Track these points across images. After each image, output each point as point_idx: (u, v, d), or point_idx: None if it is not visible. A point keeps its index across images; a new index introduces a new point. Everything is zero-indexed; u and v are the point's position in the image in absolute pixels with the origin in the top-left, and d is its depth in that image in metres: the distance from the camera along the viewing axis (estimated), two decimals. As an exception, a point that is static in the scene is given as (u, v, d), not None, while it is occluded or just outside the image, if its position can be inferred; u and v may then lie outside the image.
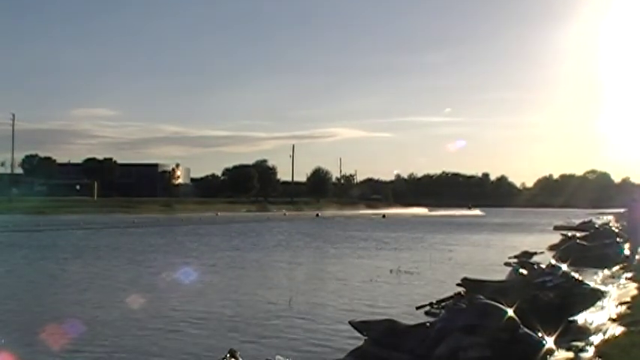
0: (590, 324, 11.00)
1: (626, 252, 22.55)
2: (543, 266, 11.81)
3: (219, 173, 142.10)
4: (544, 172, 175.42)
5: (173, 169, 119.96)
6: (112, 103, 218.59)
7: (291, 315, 13.19)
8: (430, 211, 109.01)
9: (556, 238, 30.37)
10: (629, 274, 17.70)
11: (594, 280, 15.75)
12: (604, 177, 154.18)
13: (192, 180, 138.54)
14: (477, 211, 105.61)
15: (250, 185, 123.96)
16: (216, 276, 19.59)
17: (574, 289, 11.15)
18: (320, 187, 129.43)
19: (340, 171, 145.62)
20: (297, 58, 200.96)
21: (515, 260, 13.11)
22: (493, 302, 7.35)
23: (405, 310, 12.12)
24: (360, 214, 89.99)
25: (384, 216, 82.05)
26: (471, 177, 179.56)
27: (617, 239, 24.14)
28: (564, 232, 31.51)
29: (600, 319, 11.22)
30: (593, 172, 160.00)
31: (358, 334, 7.71)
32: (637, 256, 21.70)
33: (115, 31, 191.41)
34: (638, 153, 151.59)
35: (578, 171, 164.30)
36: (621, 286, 15.58)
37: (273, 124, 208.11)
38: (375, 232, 45.69)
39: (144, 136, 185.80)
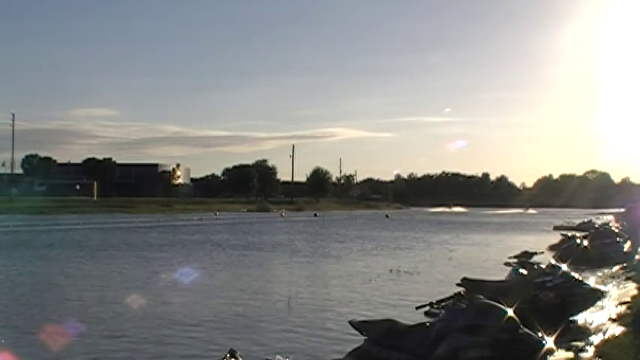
0: (590, 324, 11.01)
1: (626, 252, 22.59)
2: (543, 266, 11.82)
3: (219, 173, 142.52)
4: (544, 172, 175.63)
5: (173, 169, 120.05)
6: (112, 103, 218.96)
7: (290, 315, 13.19)
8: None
9: (556, 238, 30.36)
10: (629, 274, 17.71)
11: (594, 280, 15.76)
12: (604, 177, 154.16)
13: (192, 180, 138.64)
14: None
15: (250, 185, 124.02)
16: (216, 276, 19.58)
17: (574, 289, 11.16)
18: (320, 187, 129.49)
19: (340, 171, 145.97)
20: (297, 58, 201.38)
21: (515, 260, 13.11)
22: (493, 302, 7.34)
23: (405, 310, 12.11)
24: (361, 214, 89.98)
25: (387, 216, 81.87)
26: (471, 177, 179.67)
27: (617, 239, 24.14)
28: (564, 232, 31.50)
29: (600, 319, 11.23)
30: (593, 172, 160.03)
31: (358, 334, 7.71)
32: (637, 256, 21.72)
33: (115, 31, 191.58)
34: (638, 153, 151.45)
35: (578, 171, 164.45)
36: (621, 286, 15.59)
37: (273, 124, 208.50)
38: (375, 231, 45.68)
39: (144, 136, 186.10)
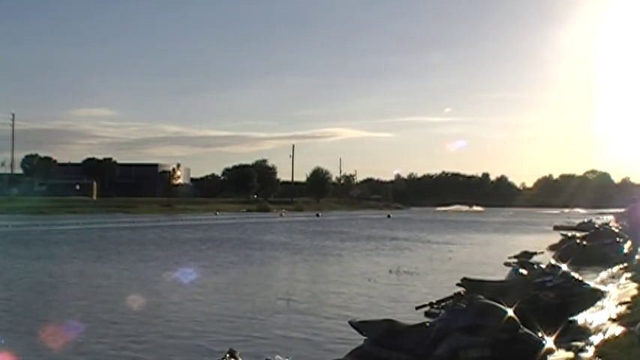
0: (590, 324, 11.00)
1: (626, 252, 22.57)
2: (543, 266, 11.81)
3: (219, 173, 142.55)
4: (544, 172, 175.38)
5: (173, 169, 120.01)
6: (112, 103, 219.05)
7: (290, 315, 13.19)
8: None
9: (556, 238, 30.36)
10: (629, 274, 17.71)
11: (594, 280, 15.75)
12: (604, 177, 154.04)
13: (192, 180, 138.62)
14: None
15: (250, 185, 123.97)
16: (216, 276, 19.58)
17: (574, 289, 11.15)
18: (320, 187, 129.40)
19: (340, 171, 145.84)
20: (297, 58, 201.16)
21: (515, 260, 13.11)
22: (493, 302, 7.33)
23: (405, 310, 12.10)
24: (361, 214, 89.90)
25: (389, 216, 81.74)
26: (471, 177, 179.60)
27: (617, 239, 24.12)
28: (564, 232, 31.51)
29: (600, 319, 11.23)
30: (593, 172, 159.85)
31: (358, 334, 7.70)
32: (637, 256, 21.71)
33: (115, 31, 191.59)
34: (638, 153, 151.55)
35: (578, 171, 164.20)
36: (621, 286, 15.59)
37: (273, 124, 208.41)
38: (375, 231, 45.66)
39: (144, 136, 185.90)
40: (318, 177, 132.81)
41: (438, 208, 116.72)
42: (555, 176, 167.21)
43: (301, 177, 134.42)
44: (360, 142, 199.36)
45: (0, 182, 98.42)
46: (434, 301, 8.65)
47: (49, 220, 53.25)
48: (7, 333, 11.11)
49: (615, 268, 19.63)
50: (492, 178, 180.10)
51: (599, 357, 8.47)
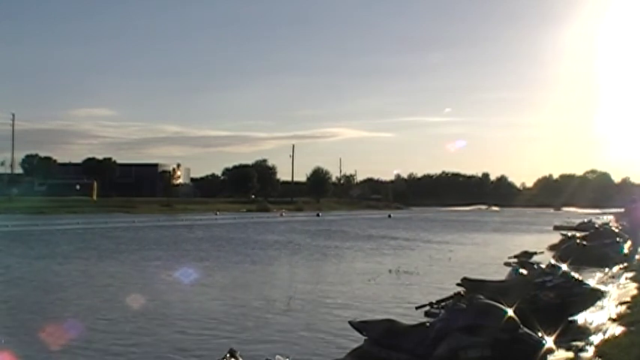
0: (590, 324, 11.02)
1: (626, 252, 22.58)
2: (543, 266, 11.83)
3: (219, 173, 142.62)
4: (544, 172, 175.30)
5: (173, 169, 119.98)
6: (112, 103, 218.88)
7: (290, 315, 13.19)
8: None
9: (556, 238, 30.37)
10: (629, 274, 17.73)
11: (594, 280, 15.77)
12: (604, 177, 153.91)
13: (193, 180, 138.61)
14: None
15: (250, 185, 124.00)
16: (218, 275, 19.59)
17: (574, 289, 11.16)
18: (320, 187, 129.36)
19: (340, 171, 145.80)
20: (297, 58, 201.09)
21: (515, 260, 13.12)
22: (493, 302, 7.35)
23: (405, 310, 12.12)
24: (362, 214, 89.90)
25: (389, 216, 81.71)
26: (471, 177, 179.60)
27: (617, 239, 24.14)
28: (564, 232, 31.51)
29: (600, 319, 11.24)
30: (593, 172, 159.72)
31: (358, 334, 7.72)
32: (637, 256, 21.73)
33: (115, 31, 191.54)
34: (638, 153, 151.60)
35: (578, 171, 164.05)
36: (621, 286, 15.61)
37: (273, 124, 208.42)
38: (376, 231, 45.67)
39: (144, 136, 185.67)
40: (318, 177, 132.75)
41: (444, 209, 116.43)
42: (555, 176, 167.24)
43: (301, 177, 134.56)
44: (360, 142, 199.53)
45: (0, 182, 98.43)
46: (434, 301, 8.68)
47: (49, 220, 53.22)
48: (14, 331, 11.17)
49: (615, 268, 19.65)
50: (492, 178, 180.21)
51: (599, 357, 8.49)
